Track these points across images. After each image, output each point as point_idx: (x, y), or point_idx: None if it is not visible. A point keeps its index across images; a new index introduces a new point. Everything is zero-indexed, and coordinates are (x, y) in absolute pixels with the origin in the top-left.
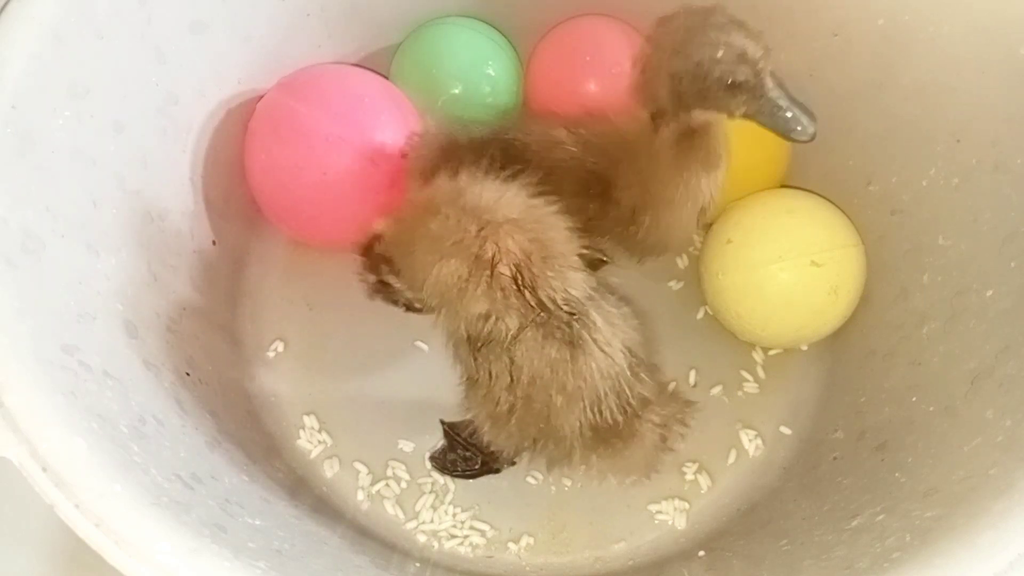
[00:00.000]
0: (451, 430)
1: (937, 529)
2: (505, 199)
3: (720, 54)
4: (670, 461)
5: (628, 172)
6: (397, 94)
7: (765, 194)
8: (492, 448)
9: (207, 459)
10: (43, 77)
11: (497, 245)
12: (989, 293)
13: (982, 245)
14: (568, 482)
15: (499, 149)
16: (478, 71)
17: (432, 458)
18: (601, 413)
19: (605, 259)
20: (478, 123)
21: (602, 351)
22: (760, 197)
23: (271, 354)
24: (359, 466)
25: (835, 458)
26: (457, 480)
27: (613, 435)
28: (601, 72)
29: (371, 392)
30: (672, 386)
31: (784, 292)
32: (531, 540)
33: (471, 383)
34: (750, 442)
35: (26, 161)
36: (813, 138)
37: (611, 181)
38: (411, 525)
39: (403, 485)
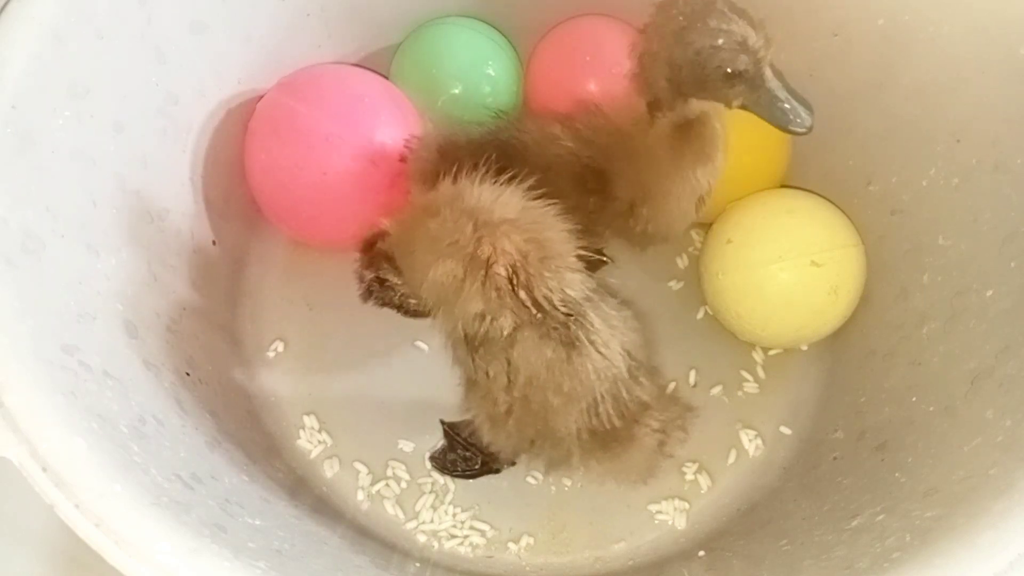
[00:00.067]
0: (451, 430)
1: (937, 529)
2: (502, 200)
3: (720, 42)
4: (670, 462)
5: (625, 165)
6: (397, 94)
7: (765, 194)
8: (492, 449)
9: (207, 459)
10: (43, 77)
11: (493, 245)
12: (989, 293)
13: (982, 245)
14: (568, 482)
15: (496, 149)
16: (478, 71)
17: (432, 458)
18: (598, 416)
19: (605, 260)
20: (475, 124)
21: (599, 353)
22: (760, 197)
23: (271, 354)
24: (359, 466)
25: (835, 458)
26: (457, 480)
27: (612, 439)
28: (601, 72)
29: (371, 392)
30: (672, 387)
31: (784, 292)
32: (531, 540)
33: (470, 384)
34: (750, 442)
35: (26, 161)
36: (810, 130)
37: (608, 175)
38: (411, 525)
39: (403, 485)
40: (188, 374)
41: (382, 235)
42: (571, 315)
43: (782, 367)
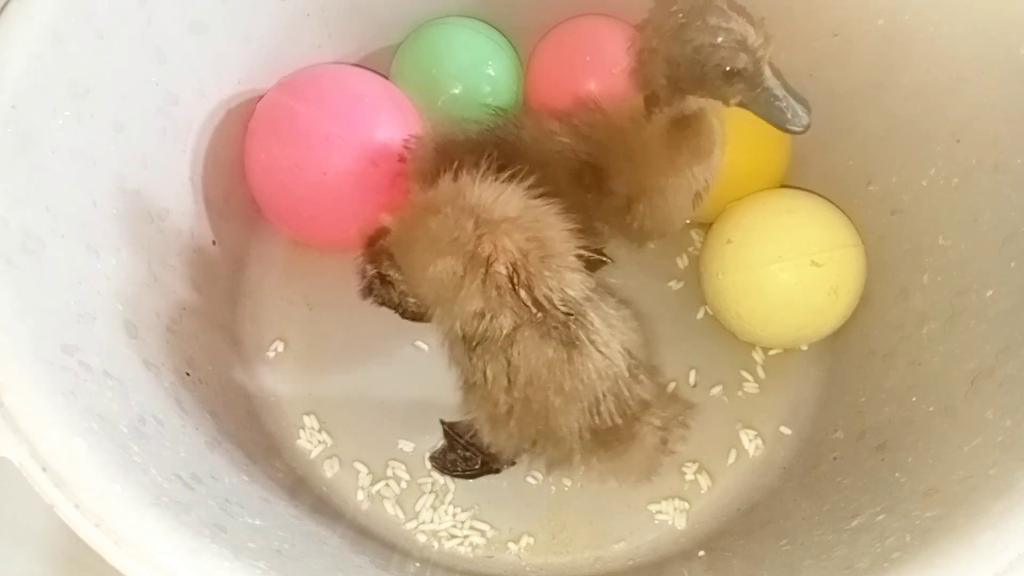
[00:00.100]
0: (451, 430)
1: (937, 529)
2: (503, 198)
3: (720, 40)
4: (670, 461)
5: (622, 161)
6: (397, 94)
7: (765, 194)
8: (493, 449)
9: (207, 459)
10: (43, 77)
11: (494, 244)
12: (989, 293)
13: (982, 245)
14: (568, 482)
15: (494, 146)
16: (478, 71)
17: (432, 458)
18: (600, 415)
19: (605, 259)
20: (474, 121)
21: (600, 352)
22: (760, 197)
23: (271, 354)
24: (359, 466)
25: (835, 458)
26: (457, 480)
27: (613, 438)
28: (601, 72)
29: (371, 392)
30: (672, 387)
31: (784, 292)
32: (531, 540)
33: (469, 386)
34: (750, 442)
35: (26, 161)
36: (807, 129)
37: (605, 171)
38: (411, 525)
39: (403, 485)
40: (188, 374)
41: (385, 231)
42: (571, 314)
43: (782, 367)
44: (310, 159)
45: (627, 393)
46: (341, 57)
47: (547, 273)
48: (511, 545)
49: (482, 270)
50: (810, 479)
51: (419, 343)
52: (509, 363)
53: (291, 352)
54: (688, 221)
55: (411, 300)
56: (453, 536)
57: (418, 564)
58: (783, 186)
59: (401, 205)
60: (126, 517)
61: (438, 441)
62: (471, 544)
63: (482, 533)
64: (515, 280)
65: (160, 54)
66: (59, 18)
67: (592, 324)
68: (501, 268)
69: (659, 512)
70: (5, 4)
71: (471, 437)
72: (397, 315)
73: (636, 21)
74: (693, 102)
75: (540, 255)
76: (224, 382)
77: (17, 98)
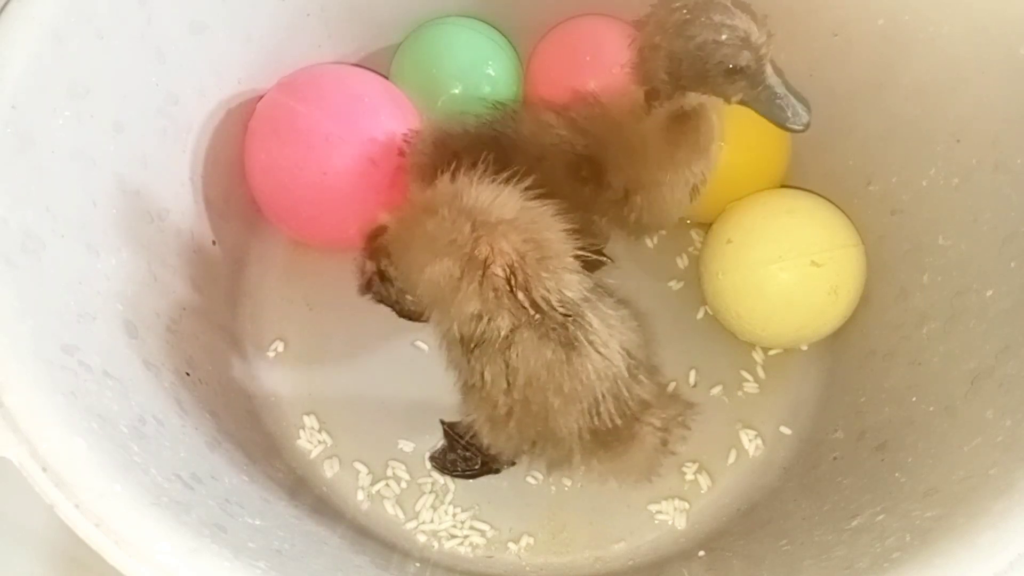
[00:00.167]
0: (451, 430)
1: (937, 529)
2: (500, 200)
3: (723, 37)
4: (670, 461)
5: (619, 154)
6: (397, 94)
7: (765, 194)
8: (492, 451)
9: (207, 459)
10: (43, 77)
11: (491, 246)
12: (989, 293)
13: (982, 245)
14: (568, 482)
15: (491, 139)
16: (478, 71)
17: (432, 458)
18: (600, 416)
19: (604, 260)
20: (472, 115)
21: (599, 353)
22: (760, 197)
23: (271, 354)
24: (359, 466)
25: (835, 458)
26: (457, 480)
27: (613, 438)
28: (601, 72)
29: (371, 392)
30: (672, 387)
31: (784, 292)
32: (531, 540)
33: (468, 388)
34: (750, 442)
35: (26, 161)
36: (807, 127)
37: (603, 163)
38: (411, 525)
39: (403, 485)
40: (188, 374)
41: (385, 228)
42: (569, 315)
43: (782, 367)
44: (310, 159)
45: (626, 393)
46: (341, 57)
47: (545, 274)
48: (511, 545)
49: (479, 272)
50: (810, 479)
51: (419, 343)
52: (508, 365)
53: (291, 352)
54: (685, 215)
55: (409, 298)
56: (453, 536)
57: (418, 564)
58: (783, 186)
59: (401, 203)
60: (126, 517)
61: (438, 441)
62: (471, 544)
63: (482, 533)
64: (513, 282)
65: (160, 54)
66: (59, 18)
67: (591, 325)
68: (498, 270)
69: (659, 512)
70: (5, 4)
71: (471, 437)
72: (397, 314)
73: (636, 20)
74: (693, 98)
75: (538, 257)
76: (224, 382)
77: (17, 98)
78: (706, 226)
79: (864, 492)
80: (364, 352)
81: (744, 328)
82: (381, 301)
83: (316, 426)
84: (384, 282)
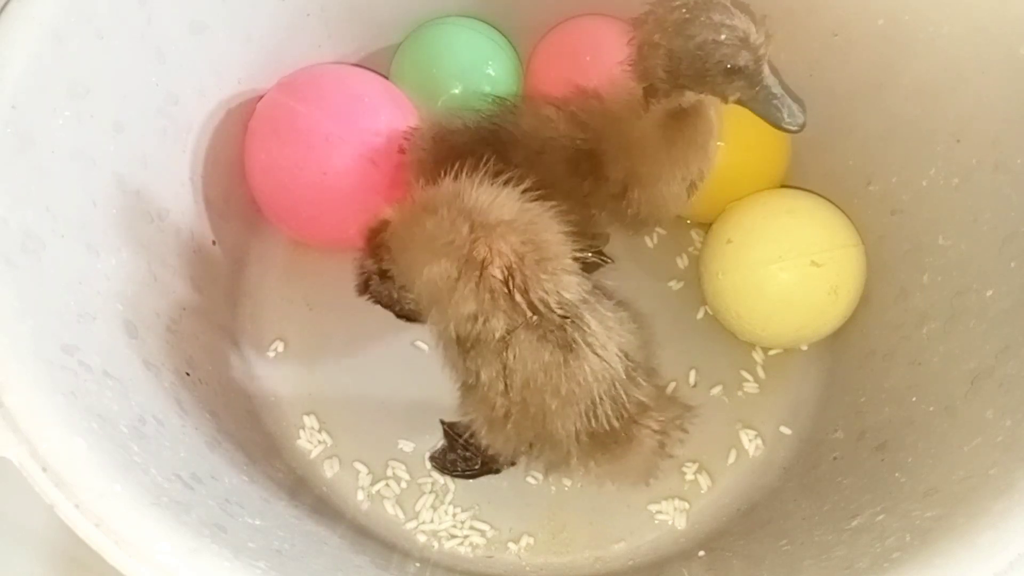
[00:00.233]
0: (451, 430)
1: (937, 529)
2: (499, 201)
3: (723, 37)
4: (670, 462)
5: (617, 149)
6: (397, 94)
7: (765, 194)
8: (490, 452)
9: (207, 459)
10: (43, 77)
11: (489, 247)
12: (989, 293)
13: (982, 245)
14: (568, 482)
15: (490, 134)
16: (478, 71)
17: (432, 458)
18: (597, 418)
19: (604, 260)
20: (471, 110)
21: (596, 355)
22: (760, 197)
23: (271, 354)
24: (359, 466)
25: (835, 458)
26: (457, 480)
27: (610, 441)
28: (601, 72)
29: (371, 392)
30: (672, 387)
31: (784, 292)
32: (531, 540)
33: (466, 388)
34: (750, 442)
35: (26, 161)
36: (803, 128)
37: (601, 157)
38: (411, 525)
39: (403, 485)
40: (188, 374)
41: (387, 224)
42: (567, 317)
43: (782, 367)
44: (310, 159)
45: (624, 396)
46: (341, 57)
47: (543, 276)
48: (511, 545)
49: (476, 273)
50: (810, 479)
51: (419, 343)
52: (505, 367)
53: (291, 352)
54: (685, 214)
55: (409, 297)
56: (453, 536)
57: (418, 564)
58: (783, 186)
59: (402, 199)
60: (126, 517)
61: (438, 441)
62: (471, 544)
63: (482, 533)
64: (511, 283)
65: (160, 54)
66: (59, 18)
67: (589, 327)
68: (496, 272)
69: (659, 512)
70: (5, 4)
71: (471, 438)
72: (395, 315)
73: (635, 18)
74: (691, 96)
75: (536, 258)
76: (224, 382)
77: (17, 98)
78: (706, 226)
79: (864, 492)
80: (364, 352)
81: (744, 328)
82: (378, 302)
83: (316, 426)
84: (384, 280)
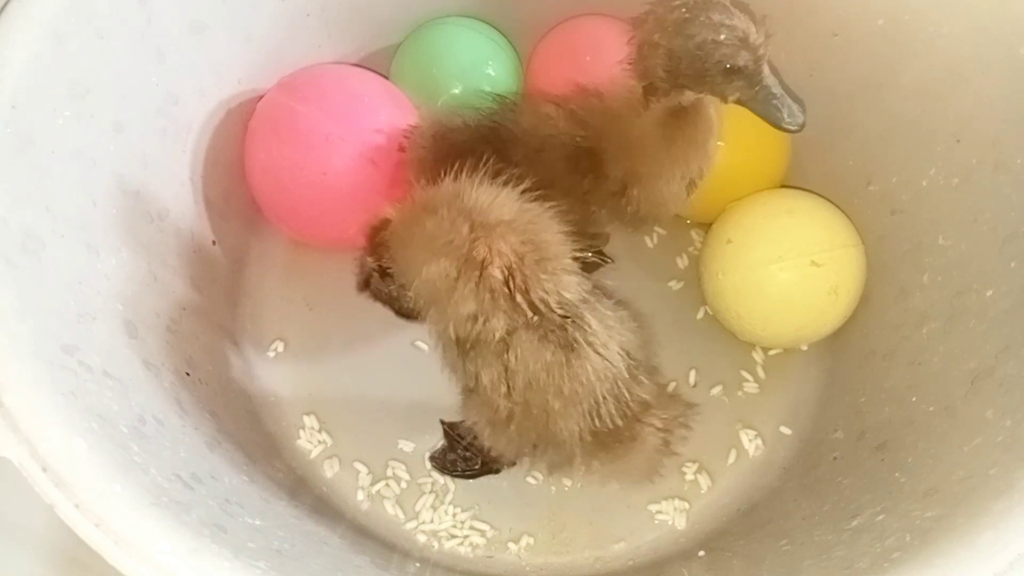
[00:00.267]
0: (451, 430)
1: (937, 529)
2: (499, 201)
3: (722, 37)
4: (670, 462)
5: (617, 147)
6: (397, 94)
7: (765, 194)
8: (493, 453)
9: (207, 459)
10: (43, 77)
11: (489, 247)
12: (989, 293)
13: (982, 245)
14: (568, 482)
15: (490, 131)
16: (478, 71)
17: (432, 458)
18: (600, 417)
19: (605, 260)
20: (471, 108)
21: (598, 354)
22: (760, 197)
23: (271, 354)
24: (359, 466)
25: (835, 458)
26: (457, 480)
27: (614, 440)
28: (601, 72)
29: (371, 392)
30: (672, 387)
31: (784, 292)
32: (531, 540)
33: (468, 391)
34: (750, 442)
35: (26, 161)
36: (802, 128)
37: (601, 155)
38: (411, 525)
39: (403, 485)
40: (188, 374)
41: (388, 222)
42: (568, 317)
43: (782, 367)
44: (310, 159)
45: (627, 394)
46: (341, 57)
47: (543, 276)
48: (511, 545)
49: (476, 273)
50: (810, 479)
51: (419, 343)
52: (507, 368)
53: (291, 352)
54: (685, 214)
55: (409, 295)
56: (453, 536)
57: (418, 564)
58: (783, 186)
59: (403, 198)
60: (126, 517)
61: (438, 441)
62: (471, 544)
63: (482, 533)
64: (511, 284)
65: (160, 54)
66: (59, 18)
67: (589, 326)
68: (496, 272)
69: (659, 512)
70: (5, 4)
71: (473, 439)
72: (395, 314)
73: (634, 17)
74: (691, 95)
75: (536, 258)
76: (224, 382)
77: (17, 98)
78: (706, 226)
79: (864, 492)
80: (364, 352)
81: (744, 328)
82: (378, 299)
83: (316, 426)
84: (384, 278)
